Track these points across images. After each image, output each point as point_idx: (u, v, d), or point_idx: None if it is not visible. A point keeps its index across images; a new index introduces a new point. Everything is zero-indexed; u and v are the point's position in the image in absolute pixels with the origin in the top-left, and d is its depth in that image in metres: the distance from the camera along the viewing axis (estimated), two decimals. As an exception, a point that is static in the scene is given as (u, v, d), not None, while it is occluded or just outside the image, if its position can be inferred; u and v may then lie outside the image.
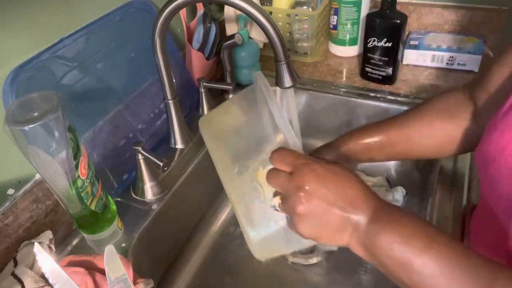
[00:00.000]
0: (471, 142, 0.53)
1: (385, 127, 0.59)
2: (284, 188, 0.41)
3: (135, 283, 0.50)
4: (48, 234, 0.58)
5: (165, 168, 0.63)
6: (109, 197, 0.59)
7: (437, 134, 0.56)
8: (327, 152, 0.59)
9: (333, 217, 0.38)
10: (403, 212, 0.40)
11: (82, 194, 0.51)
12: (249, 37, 0.90)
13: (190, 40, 0.83)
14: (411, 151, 0.58)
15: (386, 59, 0.86)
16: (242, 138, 0.50)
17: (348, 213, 0.38)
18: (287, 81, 0.55)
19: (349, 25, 0.96)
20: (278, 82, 0.56)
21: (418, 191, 0.84)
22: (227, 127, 0.52)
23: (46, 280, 0.46)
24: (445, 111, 0.56)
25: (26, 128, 0.42)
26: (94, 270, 0.50)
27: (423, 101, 0.61)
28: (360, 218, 0.38)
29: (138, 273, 0.53)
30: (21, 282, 0.48)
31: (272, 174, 0.42)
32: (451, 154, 0.58)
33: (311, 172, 0.39)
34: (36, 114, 0.43)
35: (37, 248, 0.46)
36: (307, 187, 0.39)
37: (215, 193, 0.84)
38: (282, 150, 0.42)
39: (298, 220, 0.39)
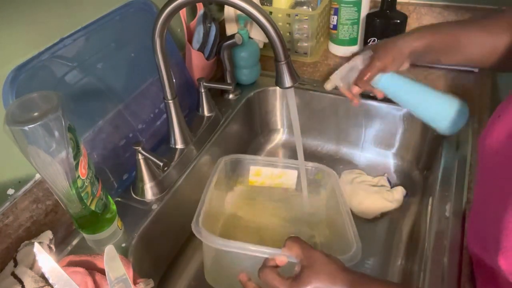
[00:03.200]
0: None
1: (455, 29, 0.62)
2: None
3: (135, 283, 0.50)
4: (48, 234, 0.58)
5: (165, 168, 0.63)
6: (109, 197, 0.59)
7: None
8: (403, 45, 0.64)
9: None
10: (374, 280, 0.48)
11: (82, 194, 0.51)
12: (249, 37, 0.90)
13: (190, 40, 0.83)
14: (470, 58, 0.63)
15: (386, 59, 0.86)
16: None
17: None
18: (287, 81, 0.55)
19: (349, 25, 0.96)
20: (278, 82, 0.56)
21: (418, 191, 0.84)
22: None
23: (46, 280, 0.46)
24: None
25: (26, 128, 0.42)
26: (94, 270, 0.50)
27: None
28: None
29: (138, 273, 0.53)
30: (21, 282, 0.48)
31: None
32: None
33: None
34: (36, 114, 0.43)
35: (37, 248, 0.46)
36: None
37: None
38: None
39: None
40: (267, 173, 0.78)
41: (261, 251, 0.53)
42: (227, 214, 0.77)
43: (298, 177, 0.77)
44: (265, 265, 0.51)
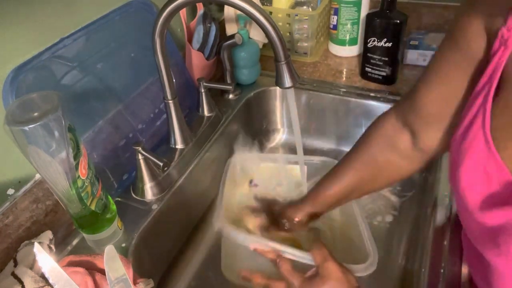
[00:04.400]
0: (417, 162, 0.55)
1: (341, 177, 0.61)
2: None
3: (135, 283, 0.50)
4: (48, 234, 0.58)
5: (165, 168, 0.63)
6: (109, 197, 0.59)
7: (386, 168, 0.57)
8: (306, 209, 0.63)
9: None
10: None
11: (82, 194, 0.51)
12: (249, 37, 0.90)
13: (190, 40, 0.83)
14: (375, 186, 0.62)
15: (386, 59, 0.86)
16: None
17: None
18: (287, 81, 0.55)
19: (349, 25, 0.96)
20: (278, 82, 0.56)
21: (418, 191, 0.84)
22: None
23: (46, 280, 0.46)
24: (386, 143, 0.56)
25: (26, 128, 0.42)
26: (94, 270, 0.50)
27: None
28: None
29: (138, 273, 0.53)
30: (21, 282, 0.48)
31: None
32: (407, 176, 0.59)
33: None
34: (36, 114, 0.43)
35: (37, 248, 0.46)
36: None
37: (215, 193, 0.84)
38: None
39: None
40: (275, 170, 0.79)
41: (290, 253, 0.55)
42: (240, 209, 0.77)
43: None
44: (283, 258, 0.55)
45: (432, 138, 0.50)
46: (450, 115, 0.46)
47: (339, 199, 0.61)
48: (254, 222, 0.66)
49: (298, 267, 0.53)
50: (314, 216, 0.63)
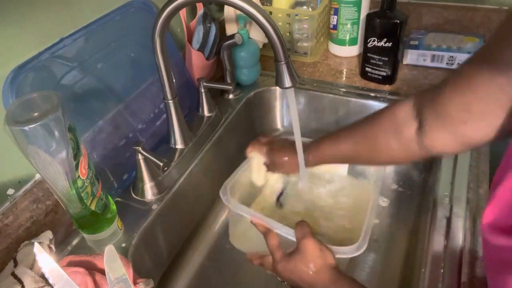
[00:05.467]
0: (412, 156, 0.55)
1: (340, 142, 0.63)
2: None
3: (135, 283, 0.50)
4: (48, 234, 0.58)
5: (165, 168, 0.63)
6: (109, 197, 0.59)
7: (382, 149, 0.58)
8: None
9: None
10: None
11: (82, 194, 0.51)
12: (249, 37, 0.90)
13: (190, 40, 0.83)
14: (369, 162, 0.64)
15: (386, 59, 0.86)
16: None
17: None
18: (287, 81, 0.55)
19: (349, 25, 0.96)
20: (278, 82, 0.56)
21: (418, 191, 0.84)
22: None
23: (46, 280, 0.46)
24: (392, 126, 0.56)
25: (26, 128, 0.42)
26: (94, 270, 0.50)
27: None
28: None
29: (138, 273, 0.53)
30: (21, 282, 0.48)
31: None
32: (399, 164, 0.60)
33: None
34: (36, 114, 0.43)
35: (37, 248, 0.46)
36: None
37: (215, 193, 0.83)
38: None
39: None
40: None
41: (279, 229, 0.58)
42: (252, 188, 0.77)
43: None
44: (271, 233, 0.58)
45: (439, 139, 0.49)
46: (468, 124, 0.44)
47: (334, 160, 0.65)
48: (258, 160, 0.71)
49: (289, 244, 0.55)
50: (310, 165, 0.66)
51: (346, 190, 0.74)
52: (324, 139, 0.65)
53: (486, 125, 0.42)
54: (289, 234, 0.56)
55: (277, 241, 0.57)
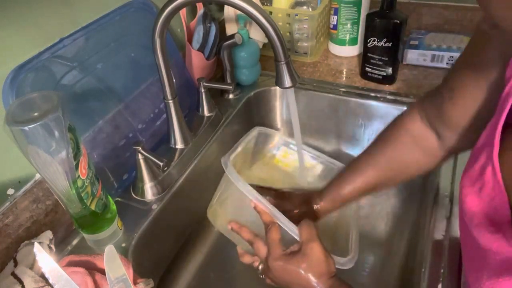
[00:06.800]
0: (440, 158, 0.55)
1: (361, 174, 0.60)
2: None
3: (135, 283, 0.50)
4: (48, 234, 0.58)
5: (165, 168, 0.63)
6: (109, 197, 0.59)
7: (411, 165, 0.58)
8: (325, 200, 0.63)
9: None
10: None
11: (82, 194, 0.51)
12: (249, 37, 0.90)
13: (190, 40, 0.83)
14: (394, 183, 0.61)
15: (386, 59, 0.86)
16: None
17: None
18: (287, 81, 0.55)
19: (349, 25, 0.96)
20: (278, 82, 0.56)
21: (418, 191, 0.84)
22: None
23: (46, 280, 0.46)
24: (413, 143, 0.56)
25: (26, 128, 0.42)
26: (94, 270, 0.50)
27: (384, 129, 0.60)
28: None
29: (138, 273, 0.53)
30: (21, 282, 0.48)
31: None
32: (428, 171, 0.59)
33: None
34: (36, 114, 0.43)
35: (37, 248, 0.46)
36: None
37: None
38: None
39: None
40: (294, 158, 0.78)
41: (283, 222, 0.55)
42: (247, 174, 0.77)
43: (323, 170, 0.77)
44: (275, 226, 0.55)
45: (459, 140, 0.50)
46: (479, 125, 0.44)
47: (355, 196, 0.61)
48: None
49: (290, 241, 0.54)
50: (326, 212, 0.63)
51: None
52: (334, 181, 0.62)
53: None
54: (292, 231, 0.54)
55: (279, 236, 0.54)
